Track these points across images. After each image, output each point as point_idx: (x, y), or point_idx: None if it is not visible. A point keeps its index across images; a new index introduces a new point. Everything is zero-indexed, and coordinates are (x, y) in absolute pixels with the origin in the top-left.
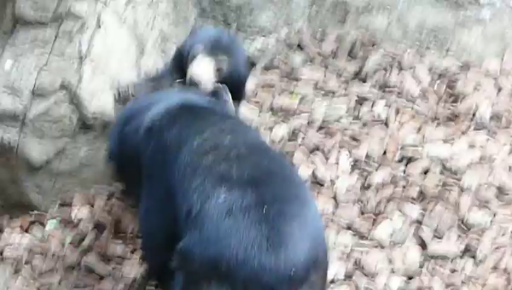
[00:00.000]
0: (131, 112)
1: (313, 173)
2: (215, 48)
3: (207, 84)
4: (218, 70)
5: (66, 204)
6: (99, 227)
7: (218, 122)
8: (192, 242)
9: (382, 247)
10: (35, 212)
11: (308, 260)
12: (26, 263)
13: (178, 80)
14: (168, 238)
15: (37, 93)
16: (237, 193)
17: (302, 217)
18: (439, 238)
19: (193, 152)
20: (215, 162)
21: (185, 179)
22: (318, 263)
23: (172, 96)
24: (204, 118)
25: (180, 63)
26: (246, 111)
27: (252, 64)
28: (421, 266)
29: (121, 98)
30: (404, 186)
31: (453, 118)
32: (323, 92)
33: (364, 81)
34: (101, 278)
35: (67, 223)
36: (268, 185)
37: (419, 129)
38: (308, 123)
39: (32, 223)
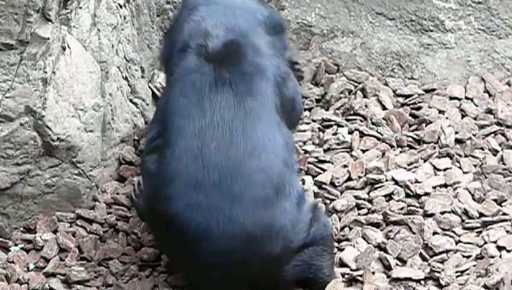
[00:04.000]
0: None
1: None
2: None
3: None
4: None
5: (30, 229)
6: (62, 252)
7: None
8: None
9: (346, 272)
10: None
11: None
12: None
13: None
14: None
15: (1, 118)
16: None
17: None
18: (403, 263)
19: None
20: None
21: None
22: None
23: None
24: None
25: None
26: None
27: None
28: None
29: None
30: (368, 212)
31: (417, 143)
32: None
33: (328, 106)
34: None
35: (31, 248)
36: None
37: (383, 154)
38: None
39: None
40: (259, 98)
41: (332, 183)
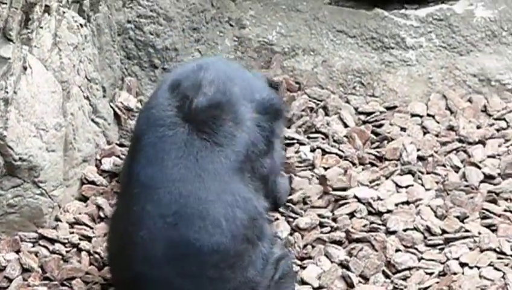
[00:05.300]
0: None
1: None
2: None
3: None
4: None
5: None
6: (25, 272)
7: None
8: None
9: None
10: None
11: None
12: None
13: None
14: None
15: None
16: None
17: None
18: (366, 280)
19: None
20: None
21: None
22: None
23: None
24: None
25: None
26: None
27: None
28: None
29: None
30: (331, 229)
31: (379, 160)
32: None
33: (289, 124)
34: None
35: None
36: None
37: (345, 172)
38: None
39: None
40: (222, 174)
41: (294, 202)
